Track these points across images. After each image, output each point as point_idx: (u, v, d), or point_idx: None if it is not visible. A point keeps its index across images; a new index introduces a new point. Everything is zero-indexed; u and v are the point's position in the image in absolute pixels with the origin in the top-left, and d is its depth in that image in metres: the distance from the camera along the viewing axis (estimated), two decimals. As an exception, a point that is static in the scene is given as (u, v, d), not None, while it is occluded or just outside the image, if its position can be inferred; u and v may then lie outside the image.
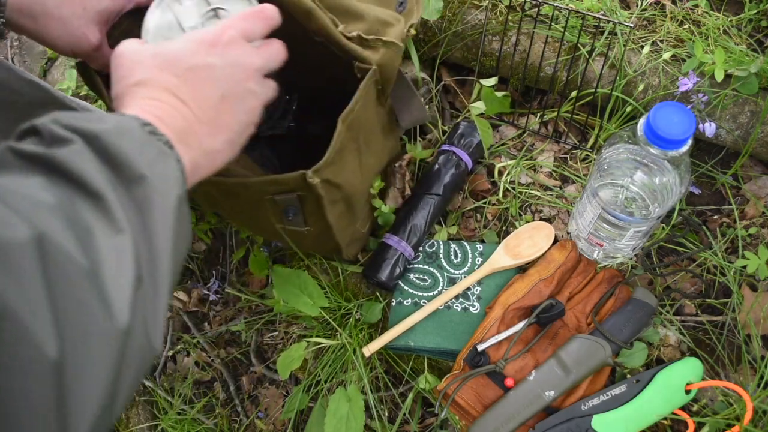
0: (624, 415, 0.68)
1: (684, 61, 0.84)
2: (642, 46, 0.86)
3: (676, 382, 0.69)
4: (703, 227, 0.81)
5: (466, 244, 0.83)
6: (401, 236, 0.81)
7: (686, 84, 0.79)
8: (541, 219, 0.84)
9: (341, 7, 0.63)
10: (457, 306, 0.79)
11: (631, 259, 0.80)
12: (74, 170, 0.35)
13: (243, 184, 0.63)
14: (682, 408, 0.70)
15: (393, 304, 0.81)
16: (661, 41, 0.87)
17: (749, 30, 0.88)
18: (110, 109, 0.54)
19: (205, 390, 1.00)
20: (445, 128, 0.92)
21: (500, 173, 0.88)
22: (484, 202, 0.87)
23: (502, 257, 0.80)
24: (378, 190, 0.80)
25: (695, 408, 0.70)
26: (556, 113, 0.90)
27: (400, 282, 0.81)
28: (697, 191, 0.85)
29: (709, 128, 0.79)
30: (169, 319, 1.03)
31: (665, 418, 0.70)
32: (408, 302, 0.80)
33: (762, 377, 0.71)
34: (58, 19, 0.59)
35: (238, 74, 0.50)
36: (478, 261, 0.82)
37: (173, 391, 1.00)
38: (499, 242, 0.82)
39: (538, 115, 0.92)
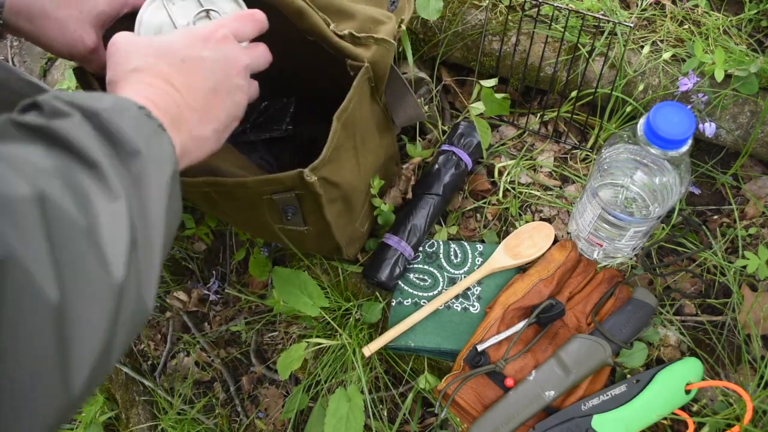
0: (624, 415, 0.68)
1: (684, 61, 0.84)
2: (642, 46, 0.86)
3: (676, 382, 0.69)
4: (703, 227, 0.81)
5: (466, 244, 0.83)
6: (401, 236, 0.81)
7: (686, 84, 0.79)
8: (541, 219, 0.84)
9: (333, 6, 0.64)
10: (457, 306, 0.79)
11: (631, 259, 0.80)
12: (73, 141, 0.36)
13: (241, 184, 0.63)
14: (682, 408, 0.70)
15: (393, 304, 0.81)
16: (661, 41, 0.87)
17: (749, 30, 0.88)
18: None
19: (205, 390, 1.00)
20: (445, 128, 0.92)
21: (500, 173, 0.88)
22: (484, 202, 0.87)
23: (502, 257, 0.80)
24: (378, 189, 0.80)
25: (695, 408, 0.70)
26: (556, 113, 0.90)
27: (400, 282, 0.81)
28: (697, 191, 0.85)
29: (709, 128, 0.79)
30: (169, 319, 1.03)
31: (665, 418, 0.70)
32: (408, 302, 0.80)
33: (762, 377, 0.71)
34: (55, 21, 0.59)
35: (229, 69, 0.53)
36: (478, 261, 0.82)
37: (173, 391, 1.00)
38: (499, 242, 0.82)
39: (538, 115, 0.92)
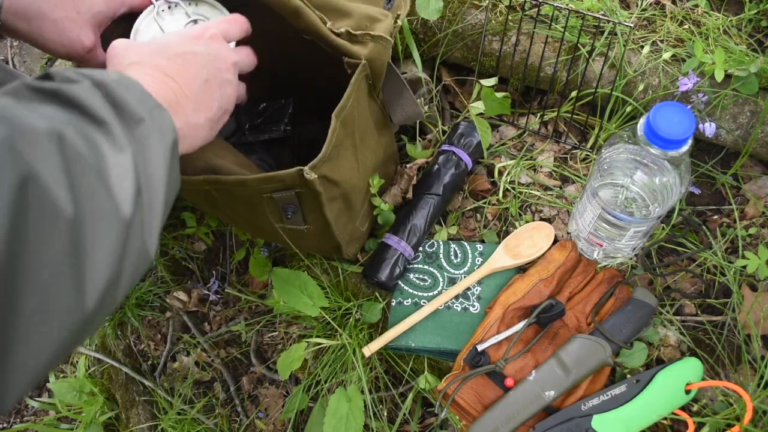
0: (624, 415, 0.68)
1: (684, 61, 0.84)
2: (642, 46, 0.86)
3: (676, 382, 0.69)
4: (703, 227, 0.81)
5: (466, 244, 0.83)
6: (401, 236, 0.81)
7: (686, 84, 0.79)
8: (541, 219, 0.84)
9: (329, 4, 0.64)
10: (457, 306, 0.79)
11: (631, 259, 0.80)
12: (84, 101, 0.39)
13: (241, 182, 0.63)
14: (682, 408, 0.70)
15: (393, 304, 0.81)
16: (661, 41, 0.87)
17: (749, 30, 0.88)
18: None
19: (205, 390, 1.00)
20: (445, 128, 0.92)
21: (500, 173, 0.88)
22: (484, 202, 0.87)
23: (502, 257, 0.80)
24: (378, 189, 0.80)
25: (695, 408, 0.70)
26: (556, 113, 0.90)
27: (400, 282, 0.81)
28: (697, 191, 0.85)
29: (709, 128, 0.79)
30: (169, 319, 1.03)
31: (665, 418, 0.70)
32: (408, 302, 0.80)
33: (762, 377, 0.71)
34: (52, 21, 0.59)
35: (219, 63, 0.57)
36: (478, 261, 0.82)
37: (173, 391, 1.00)
38: (499, 242, 0.82)
39: (538, 115, 0.92)
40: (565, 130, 0.91)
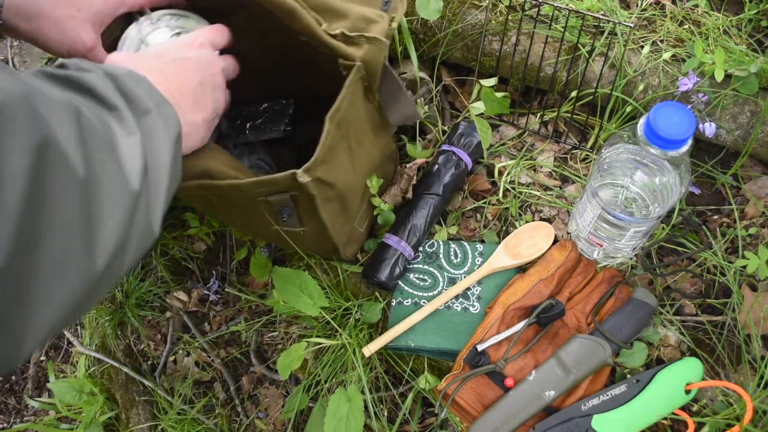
0: (624, 415, 0.68)
1: (684, 61, 0.84)
2: (642, 46, 0.86)
3: (676, 382, 0.69)
4: (703, 227, 0.81)
5: (466, 244, 0.83)
6: (401, 236, 0.81)
7: (686, 84, 0.79)
8: (541, 219, 0.84)
9: (325, 6, 0.64)
10: (457, 306, 0.79)
11: (631, 259, 0.80)
12: (97, 88, 0.42)
13: (235, 187, 0.63)
14: (682, 408, 0.70)
15: (393, 304, 0.81)
16: (661, 41, 0.87)
17: (749, 30, 0.88)
18: None
19: (205, 390, 1.00)
20: (445, 128, 0.92)
21: (500, 173, 0.88)
22: (484, 202, 0.87)
23: (502, 257, 0.80)
24: (377, 189, 0.79)
25: (695, 408, 0.70)
26: (556, 113, 0.90)
27: (400, 282, 0.81)
28: (697, 191, 0.85)
29: (709, 128, 0.79)
30: (169, 319, 1.03)
31: (665, 418, 0.70)
32: (408, 302, 0.80)
33: (762, 377, 0.71)
34: (53, 20, 0.60)
35: (210, 67, 0.60)
36: (478, 261, 0.82)
37: (173, 391, 1.00)
38: (499, 242, 0.82)
39: (538, 115, 0.92)
40: (565, 130, 0.91)
